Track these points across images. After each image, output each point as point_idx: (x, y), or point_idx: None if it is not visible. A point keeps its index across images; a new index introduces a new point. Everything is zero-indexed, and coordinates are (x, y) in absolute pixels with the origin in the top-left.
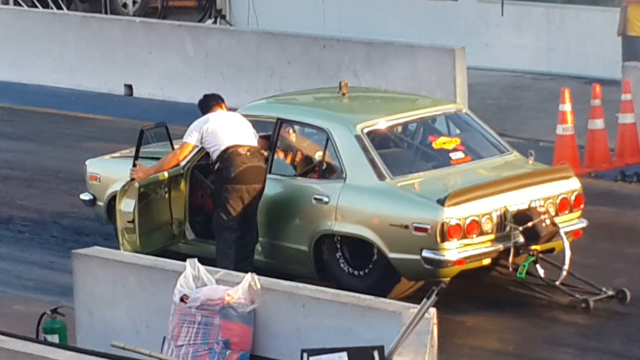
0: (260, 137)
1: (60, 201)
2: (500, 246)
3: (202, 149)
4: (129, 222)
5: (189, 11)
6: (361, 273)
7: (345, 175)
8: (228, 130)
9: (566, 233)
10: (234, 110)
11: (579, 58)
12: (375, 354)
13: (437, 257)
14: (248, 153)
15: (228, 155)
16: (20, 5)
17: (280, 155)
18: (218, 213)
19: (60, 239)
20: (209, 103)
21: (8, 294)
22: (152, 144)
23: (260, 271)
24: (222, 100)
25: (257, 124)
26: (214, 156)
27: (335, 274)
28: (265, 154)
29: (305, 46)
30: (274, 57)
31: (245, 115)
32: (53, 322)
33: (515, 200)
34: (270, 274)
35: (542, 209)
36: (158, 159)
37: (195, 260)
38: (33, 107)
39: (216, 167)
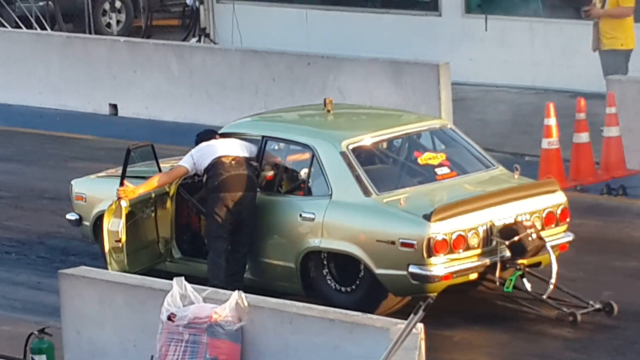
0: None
1: (47, 221)
2: (487, 261)
3: None
4: (116, 241)
5: (172, 30)
6: (348, 289)
7: (331, 191)
8: (216, 146)
9: (552, 247)
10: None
11: (564, 72)
12: None
13: (424, 272)
14: (233, 162)
15: (212, 165)
16: (4, 26)
17: (266, 172)
18: (207, 223)
19: (46, 259)
20: (205, 136)
21: None
22: (138, 163)
23: (248, 289)
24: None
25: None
26: (204, 170)
27: (322, 290)
28: (255, 164)
29: (290, 63)
30: (259, 75)
31: (231, 134)
32: (40, 342)
33: (501, 214)
34: (258, 292)
35: (528, 223)
36: (144, 177)
37: (182, 278)
38: (18, 128)
39: (204, 179)
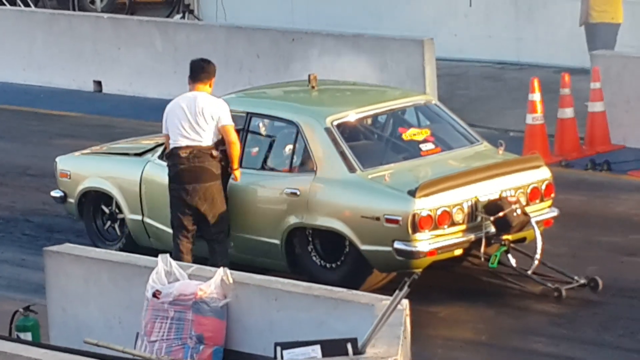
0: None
1: (31, 199)
2: (472, 236)
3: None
4: None
5: (157, 6)
6: (333, 266)
7: (316, 168)
8: (178, 126)
9: (537, 222)
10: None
11: (548, 47)
12: (349, 346)
13: (408, 248)
14: (190, 154)
15: (171, 154)
16: None
17: (250, 149)
18: (171, 213)
19: (31, 237)
20: (192, 73)
21: None
22: (119, 141)
23: (233, 265)
24: (213, 75)
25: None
26: (165, 154)
27: (307, 267)
28: (216, 153)
29: (274, 40)
30: (243, 51)
31: None
32: (26, 320)
33: (486, 190)
34: (243, 268)
35: (513, 199)
36: (126, 154)
37: (167, 255)
38: (2, 105)
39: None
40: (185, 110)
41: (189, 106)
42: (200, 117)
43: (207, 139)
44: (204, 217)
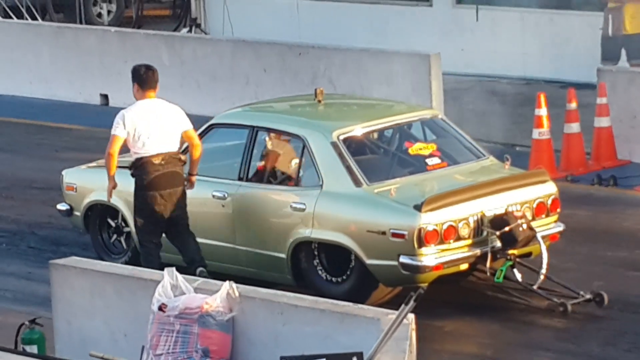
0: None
1: (37, 212)
2: (478, 251)
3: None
4: None
5: (163, 20)
6: (339, 280)
7: (322, 182)
8: (149, 137)
9: (543, 237)
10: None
11: (554, 62)
12: None
13: (414, 262)
14: (162, 161)
15: (141, 164)
16: None
17: (256, 163)
18: (139, 221)
19: (37, 250)
20: (145, 83)
21: None
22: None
23: (238, 279)
24: (158, 80)
25: (233, 132)
26: (132, 159)
27: (313, 281)
28: (183, 157)
29: (281, 54)
30: (250, 66)
31: (221, 124)
32: (31, 333)
33: (492, 205)
34: (248, 282)
35: (519, 214)
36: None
37: (174, 269)
38: (8, 118)
39: (131, 173)
40: (153, 118)
41: (157, 114)
42: (168, 124)
43: (175, 145)
44: (177, 218)
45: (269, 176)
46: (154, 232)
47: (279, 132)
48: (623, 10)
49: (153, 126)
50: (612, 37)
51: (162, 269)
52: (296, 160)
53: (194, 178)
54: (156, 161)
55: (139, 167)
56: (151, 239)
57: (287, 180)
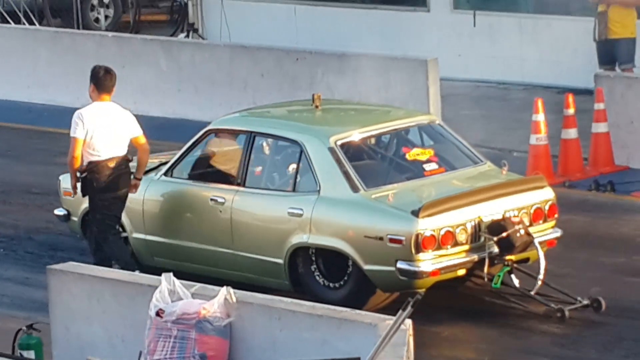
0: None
1: (35, 217)
2: (475, 257)
3: None
4: None
5: (161, 25)
6: (336, 285)
7: (320, 187)
8: (104, 137)
9: (540, 243)
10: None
11: (552, 68)
12: None
13: (412, 268)
14: (115, 164)
15: (96, 167)
16: None
17: (253, 168)
18: (98, 220)
19: (35, 255)
20: (102, 86)
21: None
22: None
23: (236, 284)
24: (113, 86)
25: (230, 137)
26: (85, 161)
27: (310, 286)
28: (130, 158)
29: (278, 59)
30: (247, 71)
31: (219, 130)
32: (29, 338)
33: (490, 210)
34: (246, 287)
35: (516, 219)
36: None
37: (171, 274)
38: (6, 123)
39: (84, 175)
40: (108, 121)
41: (111, 118)
42: (121, 128)
43: (125, 149)
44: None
45: (267, 181)
46: (112, 226)
47: (277, 138)
48: (607, 14)
49: (108, 129)
50: (600, 41)
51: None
52: (294, 166)
53: (139, 182)
54: (111, 165)
55: (94, 170)
56: (111, 232)
57: (284, 185)
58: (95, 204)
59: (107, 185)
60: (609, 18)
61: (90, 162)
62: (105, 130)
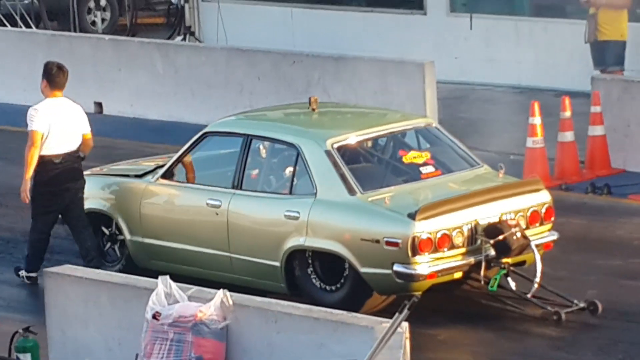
0: None
1: (29, 220)
2: (472, 259)
3: None
4: None
5: (157, 28)
6: (333, 288)
7: (316, 190)
8: (55, 132)
9: (537, 246)
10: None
11: (548, 71)
12: None
13: (408, 271)
14: (62, 159)
15: (42, 162)
16: None
17: (250, 171)
18: (33, 209)
19: None
20: (54, 82)
21: None
22: (119, 162)
23: (232, 287)
24: (65, 83)
25: (227, 140)
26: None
27: (307, 289)
28: (82, 154)
29: (275, 62)
30: (244, 74)
31: (215, 132)
32: (25, 341)
33: (486, 213)
34: (242, 290)
35: (513, 222)
36: (126, 176)
37: (167, 277)
38: (2, 126)
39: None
40: (60, 118)
41: (63, 114)
42: (72, 124)
43: (76, 144)
44: (73, 212)
45: (263, 184)
46: (46, 223)
47: (273, 141)
48: (597, 16)
49: (59, 125)
50: (591, 43)
51: (44, 249)
52: (290, 169)
53: None
54: (56, 160)
55: (39, 165)
56: (43, 229)
57: (281, 188)
58: (34, 196)
59: (49, 179)
60: (599, 20)
61: (46, 155)
62: (58, 127)
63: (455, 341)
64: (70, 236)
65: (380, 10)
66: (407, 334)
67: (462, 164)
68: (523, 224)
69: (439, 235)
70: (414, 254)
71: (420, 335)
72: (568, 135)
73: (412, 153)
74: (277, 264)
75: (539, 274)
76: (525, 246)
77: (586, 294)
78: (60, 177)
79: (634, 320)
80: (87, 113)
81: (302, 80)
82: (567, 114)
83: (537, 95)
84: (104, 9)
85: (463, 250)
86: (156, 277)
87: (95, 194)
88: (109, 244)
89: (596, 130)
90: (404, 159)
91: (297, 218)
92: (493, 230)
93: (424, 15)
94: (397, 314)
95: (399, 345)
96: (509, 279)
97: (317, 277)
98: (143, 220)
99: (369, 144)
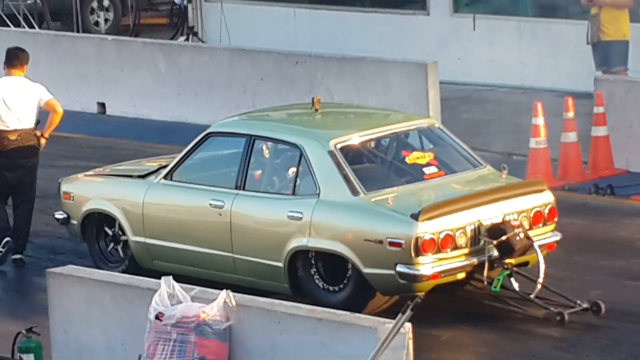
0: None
1: (34, 220)
2: (475, 260)
3: None
4: None
5: (161, 28)
6: (336, 288)
7: (319, 191)
8: (9, 109)
9: (540, 246)
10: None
11: (551, 71)
12: None
13: (411, 271)
14: (17, 137)
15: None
16: None
17: (253, 171)
18: None
19: (34, 258)
20: (9, 61)
21: None
22: (122, 162)
23: (235, 288)
24: (26, 62)
25: (230, 141)
26: None
27: (310, 289)
28: (38, 133)
29: (278, 62)
30: (247, 74)
31: (218, 133)
32: (28, 342)
33: (489, 214)
34: (245, 291)
35: (516, 223)
36: (130, 176)
37: (170, 277)
38: None
39: None
40: (15, 95)
41: (18, 91)
42: (28, 102)
43: (31, 122)
44: (22, 189)
45: (266, 185)
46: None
47: (276, 141)
48: (599, 16)
49: (14, 102)
50: (594, 44)
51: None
52: (293, 169)
53: (44, 141)
54: (12, 137)
55: None
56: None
57: (284, 189)
58: None
59: (3, 154)
60: (601, 20)
61: None
62: (10, 103)
63: (458, 342)
64: (73, 237)
65: (383, 11)
66: (410, 335)
67: (465, 164)
68: (526, 225)
69: (442, 235)
70: (417, 254)
71: (423, 336)
72: (571, 136)
73: (415, 153)
74: (280, 264)
75: (542, 274)
76: (529, 247)
77: (589, 294)
78: (14, 153)
79: (637, 321)
80: (90, 113)
81: (305, 81)
82: (570, 114)
83: (540, 96)
84: (107, 10)
85: (466, 250)
86: (159, 278)
87: (98, 195)
88: (112, 245)
89: (599, 131)
90: (407, 160)
91: (300, 218)
92: (496, 230)
93: (427, 15)
94: (400, 315)
95: (402, 346)
96: (512, 279)
97: (320, 277)
98: (146, 220)
99: (372, 144)
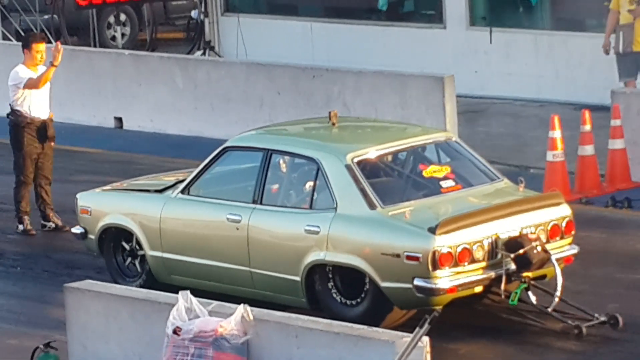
0: None
1: (52, 235)
2: (492, 273)
3: None
4: None
5: (177, 43)
6: (353, 302)
7: (336, 205)
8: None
9: (558, 259)
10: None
11: (568, 84)
12: None
13: (429, 285)
14: None
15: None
16: (9, 39)
17: (270, 185)
18: None
19: (52, 273)
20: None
21: (1, 329)
22: (139, 177)
23: (253, 302)
24: (23, 47)
25: (247, 155)
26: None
27: (327, 303)
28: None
29: (295, 76)
30: (263, 88)
31: (235, 147)
32: (46, 356)
33: (506, 227)
34: (263, 305)
35: (534, 236)
36: (147, 191)
37: (188, 292)
38: None
39: None
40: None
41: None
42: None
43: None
44: None
45: (283, 199)
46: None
47: (293, 155)
48: (634, 26)
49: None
50: (625, 54)
51: None
52: (310, 183)
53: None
54: None
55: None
56: None
57: (301, 203)
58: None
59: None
60: (636, 30)
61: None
62: None
63: (476, 355)
64: (91, 252)
65: (400, 25)
66: (428, 349)
67: (482, 178)
68: (543, 238)
69: (459, 249)
70: (435, 268)
71: (441, 350)
72: (588, 149)
73: (432, 167)
74: (297, 278)
75: (559, 287)
76: (546, 260)
77: (607, 307)
78: None
79: None
80: (107, 128)
81: (322, 95)
82: (587, 127)
83: (557, 109)
84: (124, 24)
85: (483, 264)
86: (177, 292)
87: (115, 209)
88: (129, 259)
89: (616, 144)
90: (424, 173)
91: (317, 232)
92: (513, 244)
93: (444, 29)
94: (417, 329)
95: None
96: (530, 293)
97: (337, 291)
98: (163, 235)
99: (389, 158)
